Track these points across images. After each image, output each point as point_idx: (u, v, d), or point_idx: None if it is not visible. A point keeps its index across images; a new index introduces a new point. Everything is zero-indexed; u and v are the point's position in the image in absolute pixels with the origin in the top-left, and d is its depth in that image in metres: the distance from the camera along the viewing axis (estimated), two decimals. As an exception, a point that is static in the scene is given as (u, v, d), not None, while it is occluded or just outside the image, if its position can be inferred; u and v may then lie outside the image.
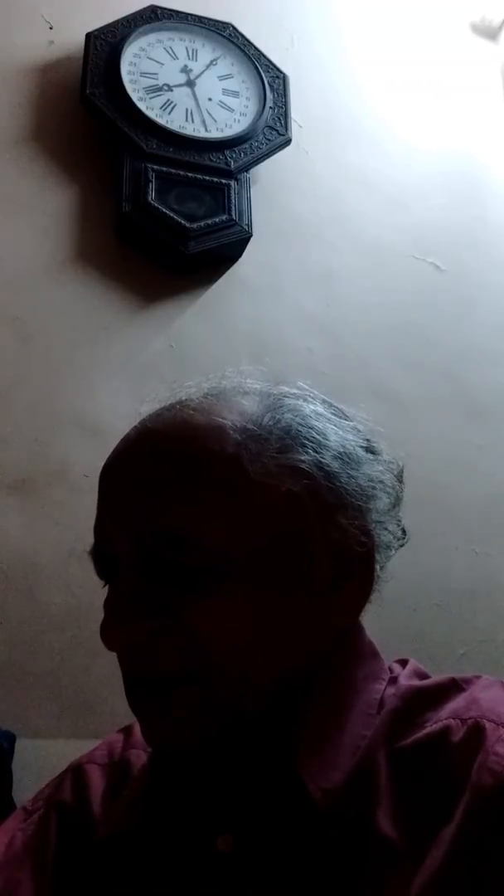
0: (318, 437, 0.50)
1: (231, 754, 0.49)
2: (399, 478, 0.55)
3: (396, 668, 0.54)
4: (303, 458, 0.49)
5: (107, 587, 0.51)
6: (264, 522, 0.47)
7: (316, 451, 0.49)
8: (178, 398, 0.53)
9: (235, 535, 0.46)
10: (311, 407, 0.52)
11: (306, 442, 0.49)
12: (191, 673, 0.46)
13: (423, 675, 0.54)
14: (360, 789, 0.45)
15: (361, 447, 0.53)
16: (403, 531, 0.55)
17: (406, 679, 0.52)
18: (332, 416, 0.53)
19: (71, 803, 0.57)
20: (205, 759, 0.49)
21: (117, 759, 0.59)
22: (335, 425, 0.52)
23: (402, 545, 0.55)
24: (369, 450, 0.53)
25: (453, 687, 0.50)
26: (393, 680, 0.52)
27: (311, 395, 0.54)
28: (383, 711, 0.49)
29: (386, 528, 0.52)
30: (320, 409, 0.53)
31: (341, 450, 0.51)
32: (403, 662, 0.55)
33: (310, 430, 0.50)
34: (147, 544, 0.47)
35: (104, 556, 0.50)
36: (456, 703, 0.48)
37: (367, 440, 0.54)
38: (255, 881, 0.45)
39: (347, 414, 0.56)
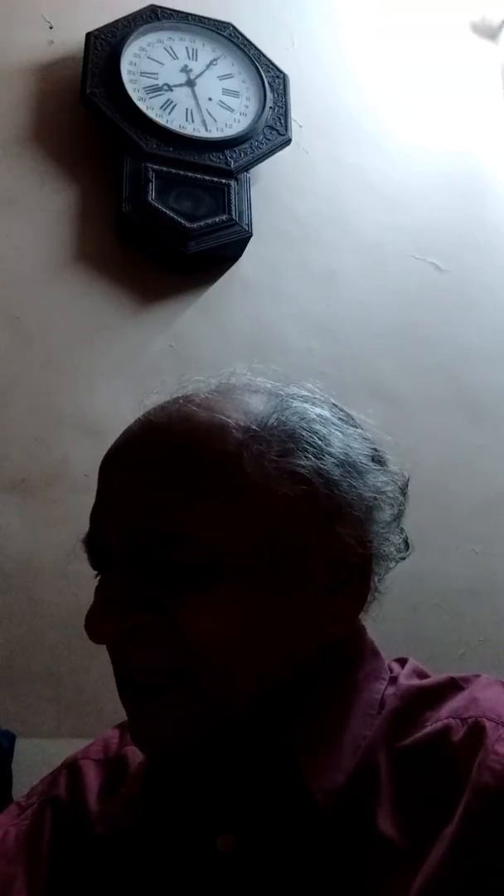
0: (319, 442, 0.49)
1: (230, 753, 0.49)
2: (403, 490, 0.54)
3: (396, 667, 0.54)
4: (302, 462, 0.48)
5: (98, 577, 0.50)
6: (258, 525, 0.46)
7: (317, 457, 0.48)
8: (185, 392, 0.52)
9: (228, 537, 0.46)
10: (318, 411, 0.51)
11: (308, 447, 0.49)
12: (178, 673, 0.46)
13: (422, 674, 0.53)
14: (361, 789, 0.45)
15: (367, 456, 0.52)
16: (406, 543, 0.54)
17: (406, 678, 0.52)
18: (339, 422, 0.52)
19: (66, 799, 0.56)
20: (203, 758, 0.49)
21: (113, 755, 0.58)
22: (341, 432, 0.51)
23: (403, 558, 0.54)
24: (375, 459, 0.52)
25: (452, 686, 0.50)
26: (393, 679, 0.52)
27: (321, 397, 0.54)
28: (384, 711, 0.49)
29: (387, 540, 0.52)
30: (327, 413, 0.52)
31: (344, 458, 0.50)
32: (402, 661, 0.55)
33: (312, 436, 0.49)
34: (140, 540, 0.46)
35: (98, 547, 0.50)
36: (455, 703, 0.48)
37: (374, 449, 0.53)
38: (256, 881, 0.45)
39: (357, 420, 0.55)
